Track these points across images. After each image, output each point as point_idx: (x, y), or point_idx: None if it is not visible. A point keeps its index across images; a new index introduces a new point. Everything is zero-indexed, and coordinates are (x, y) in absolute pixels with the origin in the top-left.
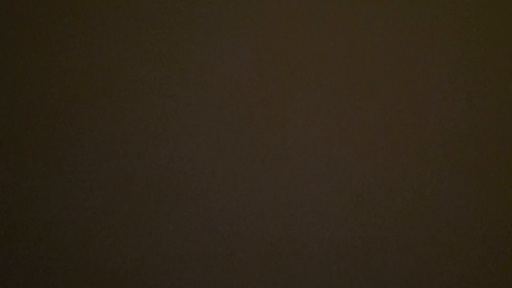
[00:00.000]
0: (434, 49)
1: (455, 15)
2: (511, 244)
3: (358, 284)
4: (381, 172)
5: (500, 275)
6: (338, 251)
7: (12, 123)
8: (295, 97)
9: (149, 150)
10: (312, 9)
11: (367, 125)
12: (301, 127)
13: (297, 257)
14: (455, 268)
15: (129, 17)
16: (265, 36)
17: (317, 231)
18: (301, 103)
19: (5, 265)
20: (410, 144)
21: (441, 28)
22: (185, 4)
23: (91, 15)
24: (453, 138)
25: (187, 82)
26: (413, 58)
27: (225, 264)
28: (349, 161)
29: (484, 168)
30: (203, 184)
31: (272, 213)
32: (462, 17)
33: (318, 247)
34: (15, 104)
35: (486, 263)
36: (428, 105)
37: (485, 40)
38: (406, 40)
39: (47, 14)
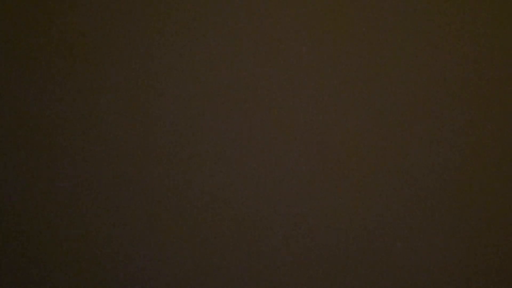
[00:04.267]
0: (433, 49)
1: (456, 15)
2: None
3: (359, 284)
4: (381, 172)
5: (501, 275)
6: (340, 253)
7: (12, 123)
8: (295, 97)
9: (148, 150)
10: (311, 8)
11: (370, 125)
12: (303, 126)
13: (299, 257)
14: (457, 269)
15: (128, 17)
16: (263, 36)
17: (318, 231)
18: (301, 103)
19: (5, 265)
20: (411, 143)
21: (441, 28)
22: (183, 4)
23: (90, 14)
24: (454, 137)
25: (186, 82)
26: (413, 58)
27: (227, 264)
28: (350, 161)
29: (485, 168)
30: (204, 183)
31: (273, 213)
32: (463, 16)
33: (320, 248)
34: (15, 104)
35: (487, 263)
36: (429, 105)
37: (486, 40)
38: (405, 40)
39: (45, 13)
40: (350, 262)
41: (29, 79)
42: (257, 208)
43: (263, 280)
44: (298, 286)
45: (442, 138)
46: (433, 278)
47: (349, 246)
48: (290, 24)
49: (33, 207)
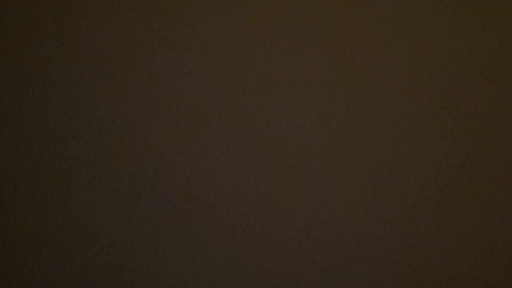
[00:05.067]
0: (433, 49)
1: (455, 15)
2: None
3: (354, 283)
4: (379, 172)
5: (500, 275)
6: (334, 251)
7: (13, 123)
8: (293, 97)
9: (148, 151)
10: (309, 8)
11: (367, 125)
12: (300, 127)
13: (295, 256)
14: (454, 268)
15: (126, 17)
16: (262, 35)
17: (314, 230)
18: (299, 103)
19: (5, 265)
20: (408, 143)
21: (441, 29)
22: (182, 5)
23: (89, 14)
24: (452, 137)
25: (185, 83)
26: (411, 58)
27: (224, 263)
28: (347, 161)
29: (484, 167)
30: (203, 184)
31: (270, 212)
32: (462, 17)
33: (316, 246)
34: (16, 105)
35: (486, 263)
36: (428, 104)
37: (486, 40)
38: (404, 40)
39: (45, 13)
40: (350, 262)
41: (28, 79)
42: (257, 208)
43: (263, 280)
44: (297, 285)
45: (441, 138)
46: (433, 278)
47: (348, 246)
48: (289, 25)
49: (32, 206)
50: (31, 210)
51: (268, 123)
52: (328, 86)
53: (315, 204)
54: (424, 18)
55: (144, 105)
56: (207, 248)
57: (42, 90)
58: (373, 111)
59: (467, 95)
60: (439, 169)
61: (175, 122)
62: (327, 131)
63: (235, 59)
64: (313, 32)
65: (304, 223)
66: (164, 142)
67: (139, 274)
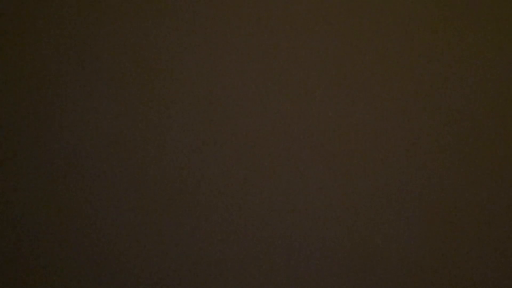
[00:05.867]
0: (433, 49)
1: (454, 15)
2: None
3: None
4: (379, 174)
5: (500, 276)
6: (335, 253)
7: (13, 123)
8: (293, 98)
9: (146, 151)
10: (310, 8)
11: (366, 126)
12: (300, 127)
13: (294, 259)
14: (454, 269)
15: (123, 17)
16: (262, 36)
17: (314, 233)
18: (299, 103)
19: (5, 265)
20: (408, 144)
21: (440, 29)
22: (180, 5)
23: (87, 15)
24: (451, 137)
25: (185, 83)
26: (411, 59)
27: (221, 266)
28: (347, 162)
29: (483, 168)
30: (201, 186)
31: (269, 214)
32: (461, 17)
33: (316, 249)
34: (16, 105)
35: (486, 263)
36: (428, 105)
37: (485, 40)
38: (404, 40)
39: (46, 13)
40: (350, 264)
41: (30, 79)
42: (258, 208)
43: (264, 280)
44: (290, 283)
45: (442, 139)
46: (418, 276)
47: (349, 248)
48: (289, 24)
49: (33, 206)
50: (30, 210)
51: (271, 123)
52: (328, 86)
53: (317, 204)
54: (425, 18)
55: (146, 103)
56: (208, 248)
57: (43, 89)
58: (374, 112)
59: (467, 95)
60: (442, 170)
61: (175, 121)
62: (328, 131)
63: (236, 60)
64: (313, 32)
65: (306, 224)
66: (164, 142)
67: (140, 274)
